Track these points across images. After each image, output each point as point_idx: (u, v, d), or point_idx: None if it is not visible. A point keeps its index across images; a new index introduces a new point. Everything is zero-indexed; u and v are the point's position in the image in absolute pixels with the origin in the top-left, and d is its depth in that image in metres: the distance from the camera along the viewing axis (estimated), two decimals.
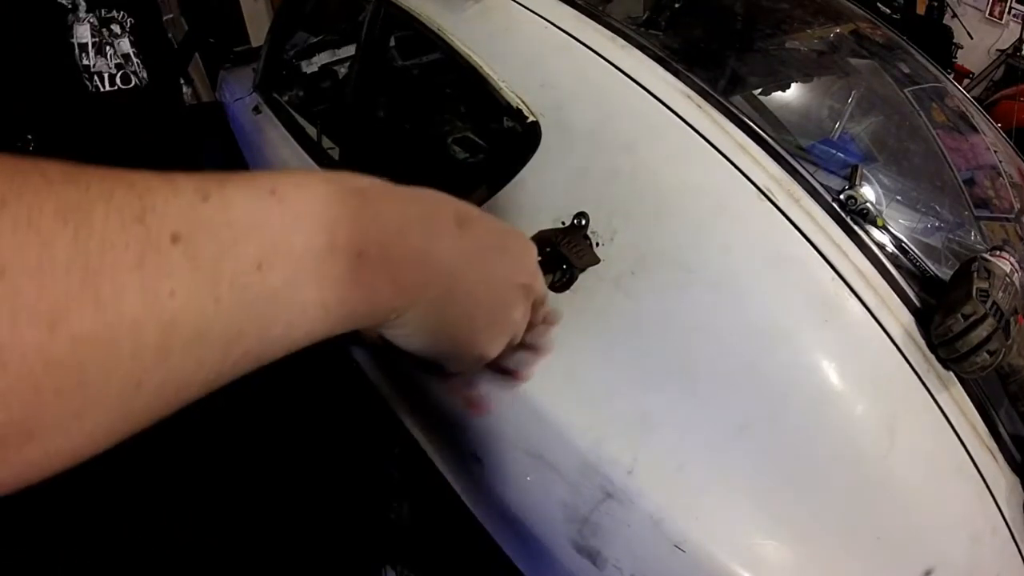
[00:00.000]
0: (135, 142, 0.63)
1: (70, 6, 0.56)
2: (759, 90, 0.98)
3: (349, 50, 1.88)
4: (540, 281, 0.39)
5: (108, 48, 0.59)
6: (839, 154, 0.92)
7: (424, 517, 1.22)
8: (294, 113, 1.47)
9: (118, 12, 0.60)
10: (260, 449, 0.89)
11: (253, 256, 0.23)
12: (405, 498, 1.25)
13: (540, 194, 0.79)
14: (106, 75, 0.59)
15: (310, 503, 1.13)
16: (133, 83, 0.62)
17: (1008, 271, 0.67)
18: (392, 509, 1.27)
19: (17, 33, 0.52)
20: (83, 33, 0.57)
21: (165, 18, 2.79)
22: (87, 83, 0.59)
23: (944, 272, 0.75)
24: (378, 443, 1.18)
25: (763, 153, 0.72)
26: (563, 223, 0.75)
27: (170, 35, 2.83)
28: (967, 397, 0.68)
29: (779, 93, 1.00)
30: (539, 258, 0.41)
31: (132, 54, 0.61)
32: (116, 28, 0.60)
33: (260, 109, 1.54)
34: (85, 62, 0.58)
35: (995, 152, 1.13)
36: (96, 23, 0.58)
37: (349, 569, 1.30)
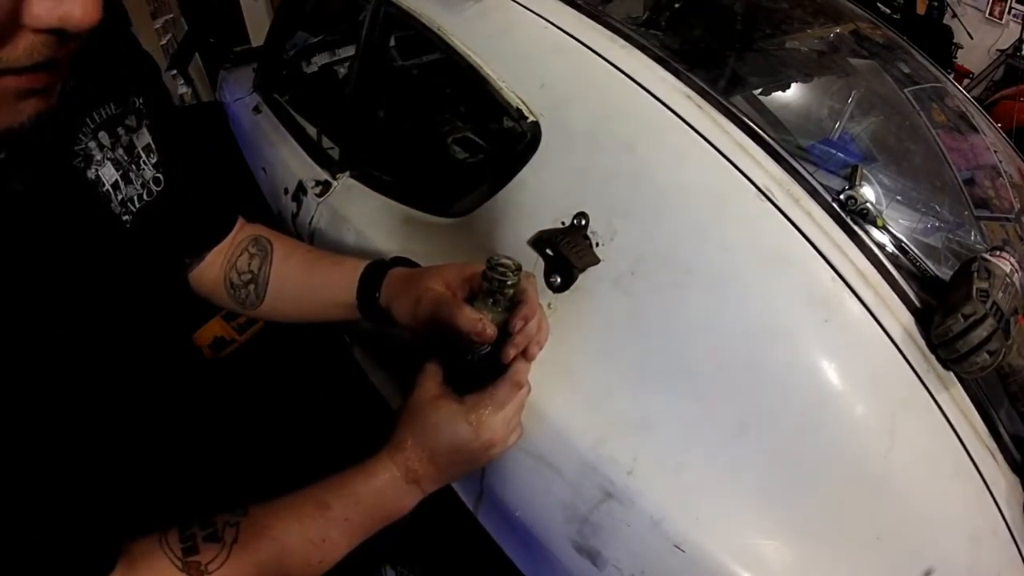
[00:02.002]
0: (166, 230, 0.64)
1: (82, 161, 0.53)
2: (759, 90, 0.98)
3: (349, 50, 1.88)
4: (493, 427, 0.60)
5: (132, 171, 0.57)
6: (839, 154, 0.92)
7: (423, 517, 1.22)
8: (294, 113, 1.47)
9: (128, 101, 0.56)
10: (260, 447, 0.89)
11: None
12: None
13: (540, 194, 0.79)
14: (135, 197, 0.58)
15: None
16: (156, 195, 0.60)
17: (1008, 271, 0.67)
18: None
19: (58, 223, 0.50)
20: (109, 175, 0.55)
21: (165, 18, 2.79)
22: (125, 222, 0.57)
23: (944, 272, 0.75)
24: (376, 442, 1.18)
25: (763, 153, 0.72)
26: (563, 223, 0.75)
27: (169, 36, 2.83)
28: (967, 397, 0.68)
29: (779, 93, 1.00)
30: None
31: (151, 144, 0.59)
32: (131, 121, 0.57)
33: (260, 109, 1.54)
34: (118, 198, 0.56)
35: (995, 152, 1.13)
36: (115, 156, 0.55)
37: (348, 568, 1.30)
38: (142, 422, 0.61)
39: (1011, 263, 0.68)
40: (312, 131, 1.38)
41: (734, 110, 0.76)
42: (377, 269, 0.74)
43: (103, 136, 0.55)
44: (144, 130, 0.59)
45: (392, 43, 1.77)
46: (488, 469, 0.77)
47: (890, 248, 0.74)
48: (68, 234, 0.50)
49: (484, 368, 0.61)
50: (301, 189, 1.22)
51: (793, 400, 0.64)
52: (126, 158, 0.57)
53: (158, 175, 0.61)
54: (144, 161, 0.59)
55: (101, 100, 0.55)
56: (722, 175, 0.70)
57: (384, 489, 0.59)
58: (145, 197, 0.59)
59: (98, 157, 0.54)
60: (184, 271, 0.77)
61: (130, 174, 0.58)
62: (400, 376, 0.98)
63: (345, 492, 0.58)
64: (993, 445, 0.68)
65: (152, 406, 0.64)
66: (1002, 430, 0.69)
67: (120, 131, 0.57)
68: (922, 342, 0.66)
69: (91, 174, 0.54)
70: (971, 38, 4.31)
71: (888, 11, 3.86)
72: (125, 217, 0.57)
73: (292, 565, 0.54)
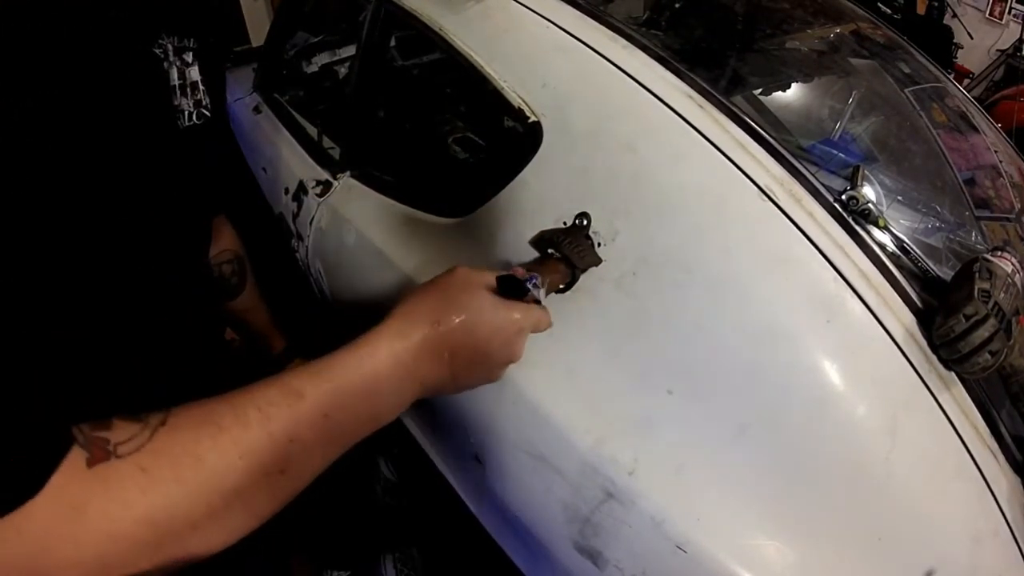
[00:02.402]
0: (202, 170, 0.67)
1: (162, 54, 0.57)
2: (760, 90, 0.98)
3: (349, 50, 1.88)
4: (522, 342, 0.56)
5: (189, 88, 0.61)
6: (840, 154, 0.92)
7: (423, 510, 1.22)
8: (294, 113, 1.46)
9: (188, 40, 0.61)
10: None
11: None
12: (404, 495, 1.25)
13: (541, 194, 0.79)
14: (186, 112, 0.61)
15: (309, 495, 1.13)
16: (204, 119, 0.63)
17: (1010, 272, 0.67)
18: (390, 498, 1.27)
19: (129, 90, 0.52)
20: (174, 76, 0.60)
21: None
22: (178, 122, 0.61)
23: (945, 272, 0.75)
24: (374, 440, 1.18)
25: (764, 153, 0.72)
26: (565, 223, 0.75)
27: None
28: (968, 398, 0.68)
29: (780, 93, 1.00)
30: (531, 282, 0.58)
31: (200, 82, 0.63)
32: (188, 57, 0.61)
33: (260, 109, 1.54)
34: (175, 102, 0.60)
35: (995, 152, 1.13)
36: (179, 64, 0.60)
37: (348, 559, 1.30)
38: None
39: (1012, 263, 0.68)
40: (313, 131, 1.37)
41: (735, 110, 0.76)
42: None
43: (172, 50, 0.59)
44: (196, 67, 0.62)
45: (392, 43, 1.77)
46: (489, 469, 0.77)
47: (892, 248, 0.74)
48: (142, 107, 0.53)
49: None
50: (302, 189, 1.22)
51: (795, 400, 0.64)
52: (183, 75, 0.61)
53: (203, 110, 0.63)
54: (197, 88, 0.62)
55: (171, 27, 0.58)
56: (723, 175, 0.70)
57: (381, 378, 0.46)
58: (195, 119, 0.62)
59: (171, 58, 0.58)
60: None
61: (187, 88, 0.61)
62: None
63: (327, 378, 0.44)
64: (995, 445, 0.68)
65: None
66: (1004, 430, 0.69)
67: (185, 57, 0.60)
68: (924, 342, 0.66)
69: (165, 65, 0.58)
70: (971, 38, 4.30)
71: (888, 11, 3.86)
72: (179, 120, 0.60)
73: (239, 470, 0.39)
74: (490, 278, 0.56)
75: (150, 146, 0.54)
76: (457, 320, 0.49)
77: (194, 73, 0.62)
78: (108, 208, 0.49)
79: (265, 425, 0.40)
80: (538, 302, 0.59)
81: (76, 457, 0.35)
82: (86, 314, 0.49)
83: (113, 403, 0.39)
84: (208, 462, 0.38)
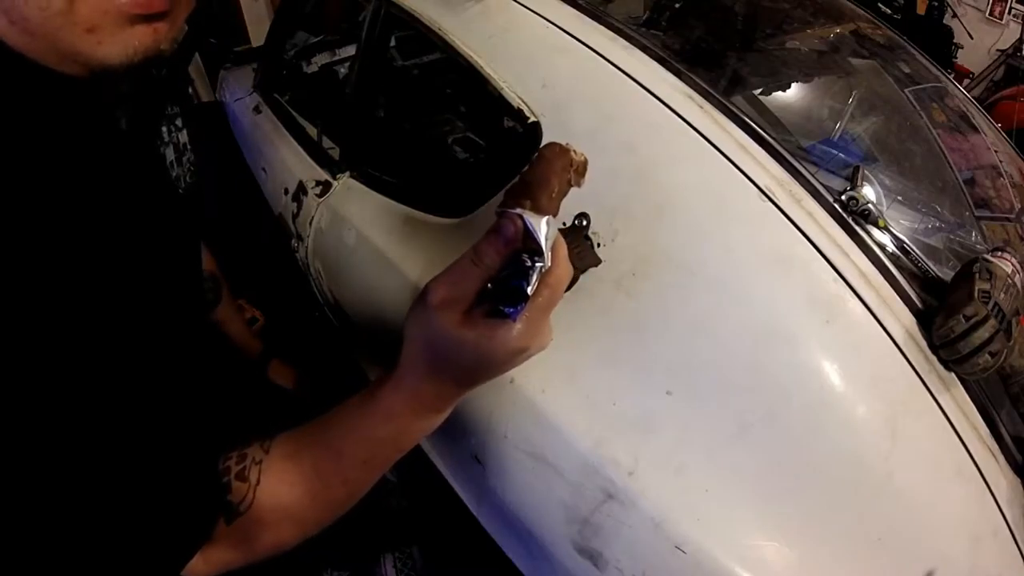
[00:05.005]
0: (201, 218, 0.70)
1: (158, 140, 0.60)
2: (760, 90, 0.98)
3: (349, 50, 1.88)
4: (538, 332, 0.47)
5: (183, 157, 0.65)
6: (840, 154, 0.92)
7: (423, 510, 1.22)
8: (294, 113, 1.46)
9: (173, 107, 0.63)
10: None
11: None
12: (405, 495, 1.25)
13: None
14: (183, 178, 0.65)
15: None
16: (195, 175, 0.67)
17: (1010, 272, 0.67)
18: (390, 498, 1.27)
19: (142, 200, 0.52)
20: (169, 154, 0.62)
21: None
22: (179, 190, 0.63)
23: (945, 273, 0.75)
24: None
25: (764, 153, 0.72)
26: (564, 224, 0.75)
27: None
28: (968, 398, 0.68)
29: (780, 93, 1.00)
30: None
31: (186, 145, 0.65)
32: (178, 122, 0.64)
33: (260, 109, 1.54)
34: (173, 175, 0.63)
35: (995, 152, 1.13)
36: (171, 137, 0.62)
37: (348, 559, 1.30)
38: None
39: (1012, 264, 0.68)
40: (312, 131, 1.37)
41: (735, 110, 0.76)
42: None
43: (166, 125, 0.60)
44: (184, 130, 0.63)
45: (392, 43, 1.77)
46: (489, 469, 0.77)
47: (891, 249, 0.74)
48: (144, 189, 0.53)
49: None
50: (301, 189, 1.22)
51: (794, 401, 0.64)
52: (178, 147, 0.62)
53: (193, 168, 0.66)
54: (187, 149, 0.64)
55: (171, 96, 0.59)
56: (723, 175, 0.70)
57: (404, 419, 0.51)
58: (188, 179, 0.64)
59: (166, 139, 0.60)
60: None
61: (183, 158, 0.63)
62: None
63: (358, 430, 0.52)
64: (995, 446, 0.68)
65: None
66: (1003, 431, 0.69)
67: (175, 125, 0.62)
68: (924, 343, 0.66)
69: (163, 149, 0.60)
70: (971, 38, 4.30)
71: (888, 11, 3.86)
72: (180, 188, 0.62)
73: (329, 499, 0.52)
74: (468, 293, 0.45)
75: (166, 233, 0.54)
76: (445, 376, 0.50)
77: (183, 136, 0.63)
78: (135, 298, 0.48)
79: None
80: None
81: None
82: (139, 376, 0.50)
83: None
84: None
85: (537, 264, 0.43)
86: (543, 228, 0.42)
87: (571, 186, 0.47)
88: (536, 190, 0.43)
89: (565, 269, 0.46)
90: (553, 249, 0.44)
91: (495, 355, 0.46)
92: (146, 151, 0.55)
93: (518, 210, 0.42)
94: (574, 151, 0.46)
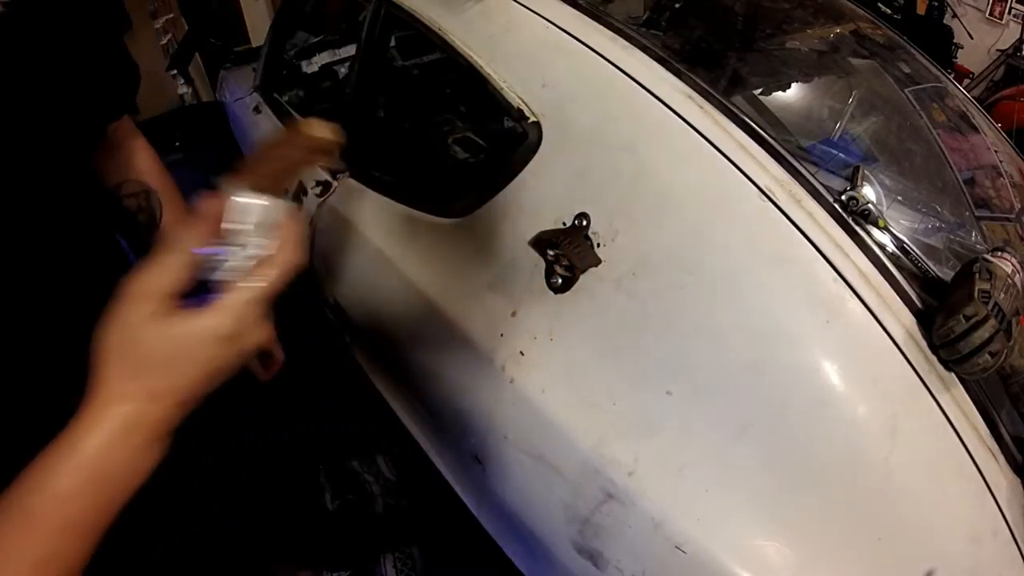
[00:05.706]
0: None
1: None
2: (760, 90, 0.98)
3: (349, 50, 1.88)
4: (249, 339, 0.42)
5: None
6: (840, 154, 0.92)
7: (423, 510, 1.22)
8: (294, 113, 1.47)
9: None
10: (259, 443, 0.89)
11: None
12: (404, 495, 1.25)
13: (541, 194, 0.79)
14: None
15: (309, 493, 1.13)
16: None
17: (1010, 272, 0.67)
18: (386, 498, 1.27)
19: None
20: None
21: (165, 18, 2.79)
22: None
23: (945, 273, 0.75)
24: (374, 439, 1.18)
25: (764, 154, 0.72)
26: (564, 224, 0.75)
27: (169, 36, 2.83)
28: (968, 398, 0.68)
29: (780, 93, 1.00)
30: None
31: None
32: None
33: (260, 109, 1.54)
34: None
35: (995, 152, 1.13)
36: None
37: (348, 559, 1.30)
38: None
39: (1012, 264, 0.68)
40: None
41: (735, 110, 0.76)
42: None
43: None
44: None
45: (392, 43, 1.77)
46: (489, 469, 0.77)
47: (891, 249, 0.74)
48: None
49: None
50: (301, 189, 1.22)
51: (794, 401, 0.64)
52: None
53: None
54: None
55: None
56: (724, 175, 0.70)
57: (104, 464, 0.40)
58: None
59: None
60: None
61: None
62: (400, 376, 0.98)
63: (48, 488, 0.39)
64: (995, 446, 0.68)
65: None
66: (1003, 431, 0.69)
67: None
68: (924, 343, 0.66)
69: None
70: (971, 38, 4.30)
71: (888, 11, 3.85)
72: None
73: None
74: (170, 283, 0.41)
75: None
76: (155, 380, 0.41)
77: None
78: None
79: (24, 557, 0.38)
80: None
81: None
82: None
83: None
84: None
85: (237, 248, 0.39)
86: (254, 208, 0.38)
87: (308, 166, 0.45)
88: (254, 167, 0.40)
89: (289, 255, 0.42)
90: (277, 233, 0.40)
91: (189, 345, 0.40)
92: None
93: (226, 188, 0.38)
94: (320, 129, 0.46)
